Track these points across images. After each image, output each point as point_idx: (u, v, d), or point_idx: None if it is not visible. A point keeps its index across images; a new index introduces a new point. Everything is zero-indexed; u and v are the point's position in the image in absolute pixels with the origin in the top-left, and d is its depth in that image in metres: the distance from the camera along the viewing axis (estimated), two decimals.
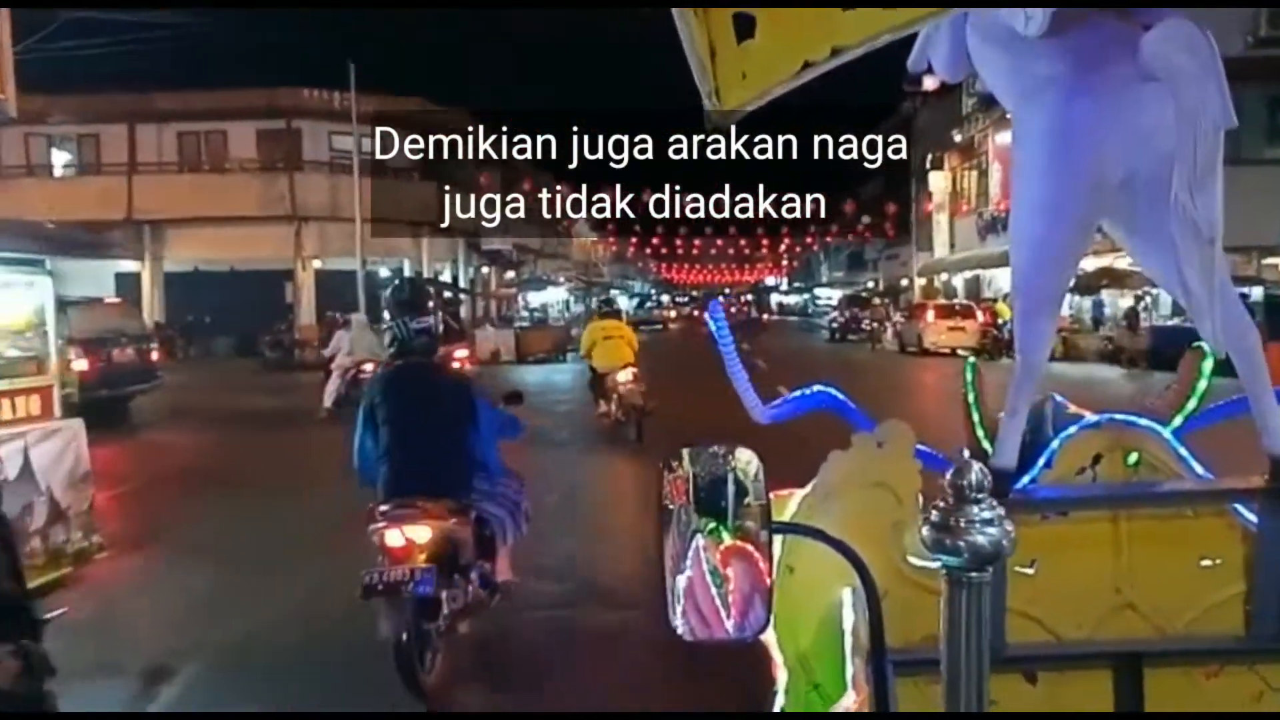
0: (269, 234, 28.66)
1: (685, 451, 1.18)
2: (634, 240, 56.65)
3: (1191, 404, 1.94)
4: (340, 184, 28.46)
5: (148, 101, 28.23)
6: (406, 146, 32.23)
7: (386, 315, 5.72)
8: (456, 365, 19.01)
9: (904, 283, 55.80)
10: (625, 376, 12.44)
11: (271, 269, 29.41)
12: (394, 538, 4.46)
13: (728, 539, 1.15)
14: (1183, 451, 1.86)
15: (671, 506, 1.17)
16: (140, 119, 28.87)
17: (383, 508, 4.54)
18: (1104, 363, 24.94)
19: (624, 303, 54.94)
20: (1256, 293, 25.74)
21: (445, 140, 32.91)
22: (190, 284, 30.38)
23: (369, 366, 15.74)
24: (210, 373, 24.84)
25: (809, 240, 70.78)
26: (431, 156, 33.92)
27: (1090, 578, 1.79)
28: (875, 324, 37.36)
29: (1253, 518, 1.76)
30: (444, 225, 32.14)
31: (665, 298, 73.68)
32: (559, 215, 53.26)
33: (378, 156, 31.66)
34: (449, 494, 4.59)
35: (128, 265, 29.73)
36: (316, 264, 29.02)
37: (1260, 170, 27.06)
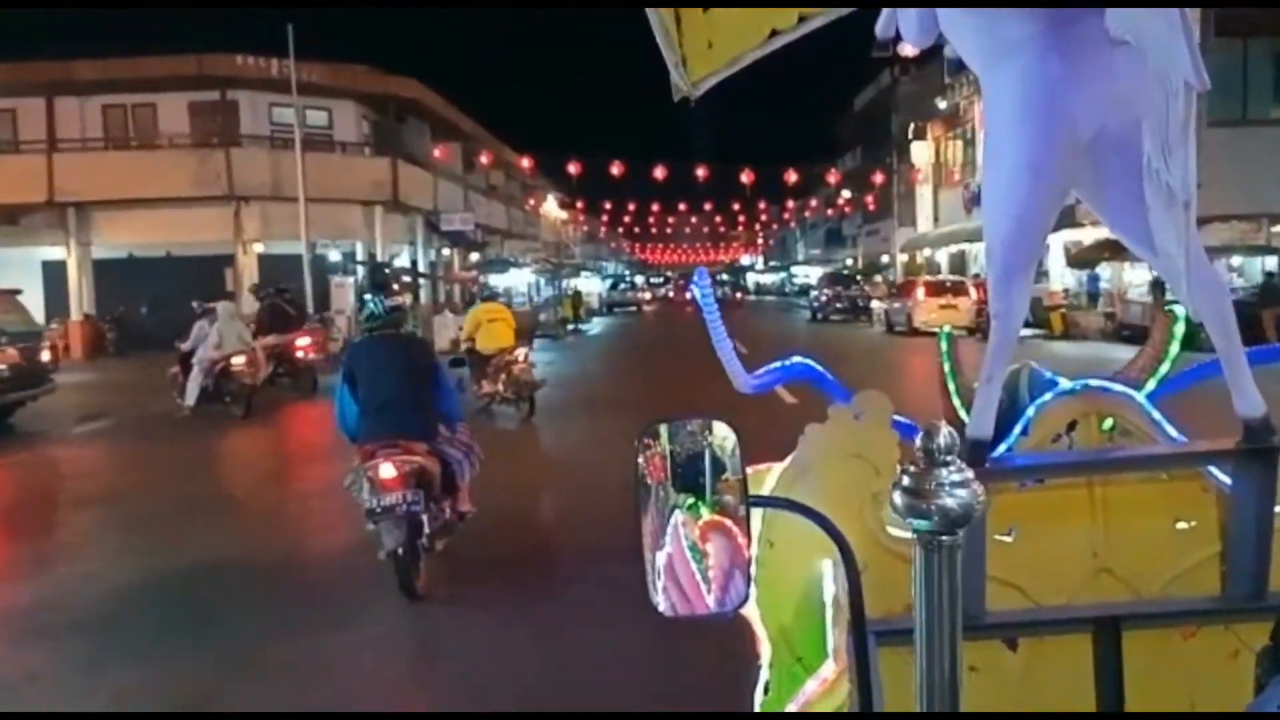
0: (207, 216, 26.24)
1: (662, 427, 1.15)
2: (604, 219, 54.26)
3: (1164, 368, 1.94)
4: (283, 160, 26.11)
5: (67, 71, 25.67)
6: (355, 119, 29.85)
7: (364, 295, 6.61)
8: (300, 354, 17.52)
9: (884, 259, 54.01)
10: (519, 355, 13.45)
11: (213, 254, 27.01)
12: (387, 470, 5.48)
13: (706, 514, 1.14)
14: (1156, 416, 1.83)
15: (649, 483, 1.15)
16: (59, 91, 26.31)
17: (373, 447, 5.60)
18: (1112, 341, 23.07)
19: (596, 284, 52.75)
20: (1271, 262, 24.00)
21: (396, 111, 30.39)
22: (125, 271, 27.92)
23: (239, 360, 14.06)
24: (135, 370, 22.54)
25: (786, 216, 68.87)
26: (383, 129, 31.61)
27: (1068, 544, 1.76)
28: (860, 302, 35.44)
29: (1226, 480, 1.73)
30: (398, 203, 29.92)
31: (639, 279, 71.50)
32: (523, 191, 50.89)
33: (324, 131, 29.46)
34: (422, 438, 5.72)
35: (55, 252, 27.28)
36: (258, 248, 26.65)
37: (1268, 132, 25.35)
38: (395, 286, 29.72)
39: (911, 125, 41.78)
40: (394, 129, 29.88)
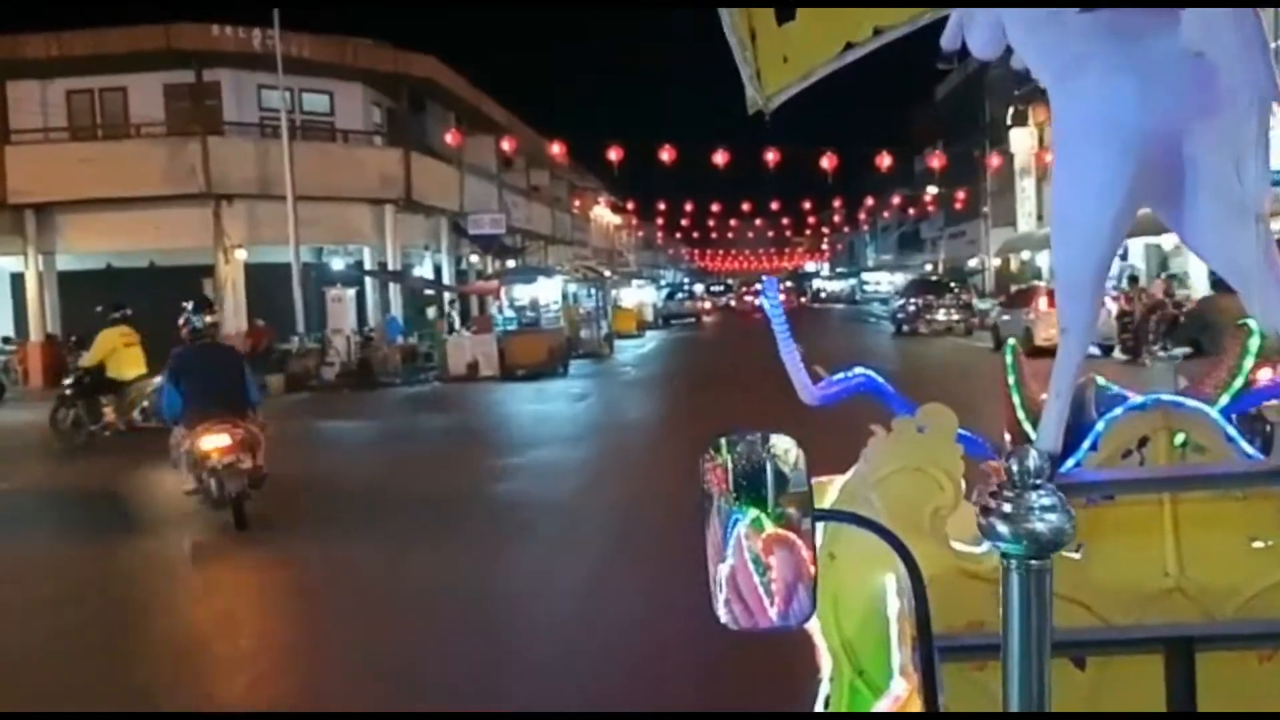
0: (187, 218, 22.00)
1: (722, 439, 1.15)
2: (659, 223, 49.34)
3: (1238, 383, 1.89)
4: (274, 152, 21.75)
5: (16, 48, 21.59)
6: (362, 103, 25.43)
7: (188, 313, 8.28)
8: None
9: (972, 264, 48.42)
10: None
11: (201, 263, 22.80)
12: (223, 439, 7.78)
13: (769, 527, 1.13)
14: (1231, 432, 1.77)
15: (712, 494, 1.14)
16: (13, 74, 22.28)
17: (205, 424, 7.78)
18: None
19: (650, 294, 47.86)
20: None
21: (410, 95, 25.82)
22: (100, 284, 23.70)
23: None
24: None
25: (863, 218, 63.31)
26: (395, 117, 27.07)
27: (1138, 562, 1.72)
28: (960, 314, 30.02)
29: None
30: (412, 202, 25.47)
31: (699, 287, 66.47)
32: (569, 192, 46.24)
33: (324, 117, 25.09)
34: (240, 416, 7.98)
35: (14, 263, 23.27)
36: (241, 254, 22.29)
37: None
38: (429, 296, 26.34)
39: (1011, 110, 36.14)
40: (408, 116, 25.37)
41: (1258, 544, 1.71)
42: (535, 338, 21.02)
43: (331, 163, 23.04)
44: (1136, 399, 1.81)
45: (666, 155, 21.83)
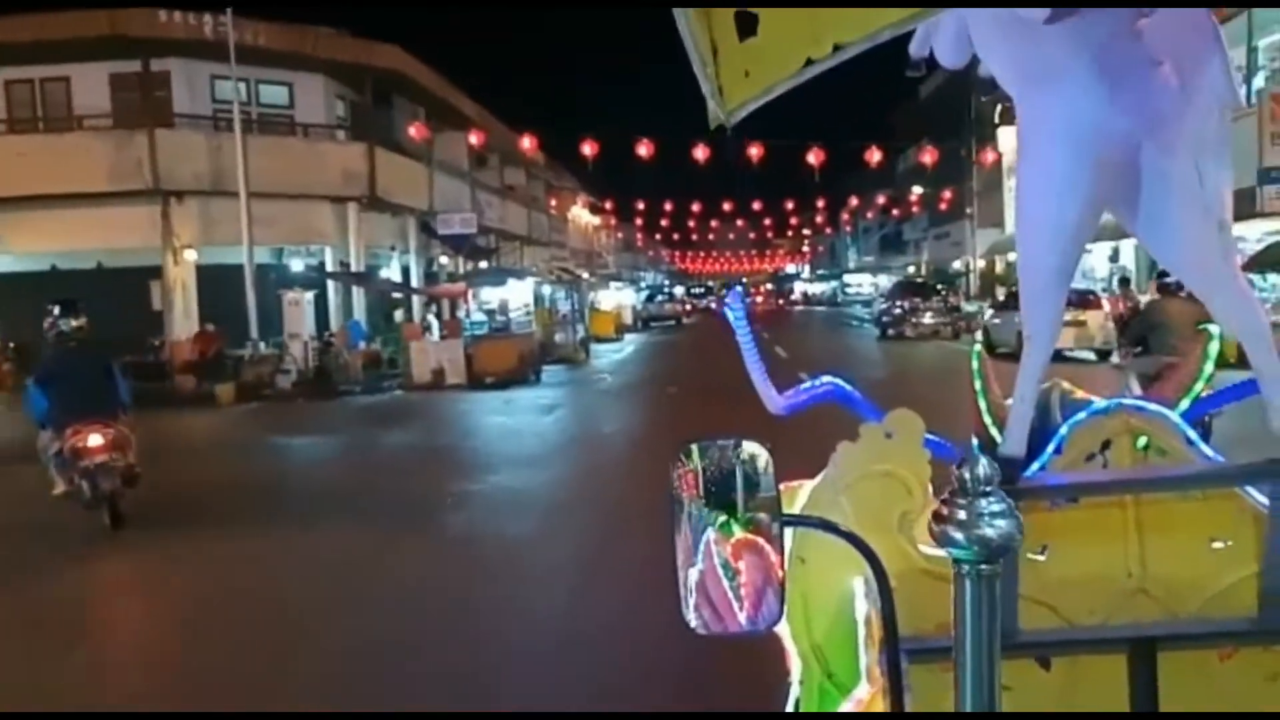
0: (134, 216, 20.63)
1: (694, 446, 1.16)
2: (639, 222, 48.15)
3: (1199, 386, 1.93)
4: (229, 146, 20.38)
5: None
6: (324, 96, 24.12)
7: (54, 316, 8.32)
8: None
9: (956, 265, 47.52)
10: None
11: (152, 264, 21.45)
12: (95, 439, 7.83)
13: (738, 532, 1.13)
14: (1191, 435, 1.80)
15: (682, 500, 1.15)
16: None
17: (76, 427, 7.84)
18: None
19: (629, 296, 46.69)
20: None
21: (375, 88, 24.50)
22: (44, 287, 22.28)
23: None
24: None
25: (845, 219, 62.32)
26: (359, 110, 25.69)
27: (1102, 563, 1.74)
28: (947, 317, 29.02)
29: (1263, 499, 1.69)
30: (377, 200, 24.18)
31: (679, 289, 65.40)
32: (546, 192, 44.97)
33: (282, 110, 23.76)
34: (112, 417, 8.02)
35: None
36: (191, 255, 20.94)
37: None
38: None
39: (999, 108, 35.19)
40: (373, 110, 24.09)
41: (1217, 544, 1.71)
42: (505, 344, 19.78)
43: (290, 158, 21.72)
44: (1099, 403, 1.83)
45: (644, 150, 20.66)
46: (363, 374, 20.62)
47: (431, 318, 22.83)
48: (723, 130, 1.64)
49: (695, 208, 38.57)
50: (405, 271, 27.09)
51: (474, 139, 23.35)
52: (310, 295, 20.95)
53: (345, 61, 22.93)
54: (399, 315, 27.17)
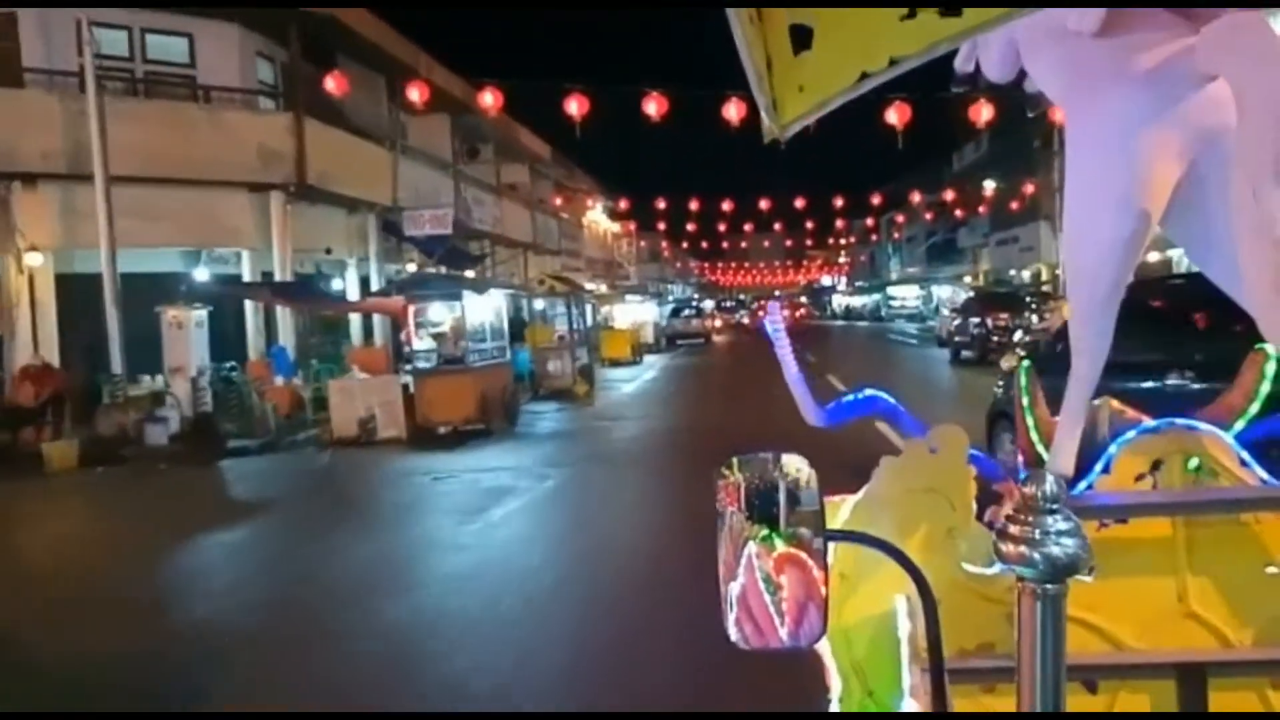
0: None
1: (735, 459, 1.15)
2: (662, 228, 42.15)
3: (1254, 408, 1.89)
4: (109, 114, 14.69)
5: None
6: (239, 53, 18.15)
7: None
8: None
9: (1025, 275, 41.25)
10: None
11: None
12: None
13: (781, 546, 1.11)
14: (1245, 456, 1.77)
15: (724, 513, 1.13)
16: None
17: None
18: None
19: (651, 312, 40.71)
20: None
21: (305, 42, 18.30)
22: None
23: None
24: None
25: (900, 220, 55.99)
26: (290, 74, 18.75)
27: (1151, 586, 1.71)
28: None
29: None
30: (307, 187, 18.47)
31: (708, 303, 59.37)
32: (555, 192, 39.04)
33: (180, 68, 18.10)
34: None
35: None
36: (34, 260, 15.22)
37: None
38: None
39: None
40: (312, 74, 18.34)
41: (1272, 569, 1.65)
42: (460, 381, 13.87)
43: (185, 131, 16.02)
44: (1150, 422, 1.78)
45: (654, 108, 14.74)
46: (277, 421, 14.90)
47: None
48: (776, 144, 1.57)
49: (726, 206, 32.67)
50: (365, 283, 21.33)
51: (418, 99, 17.35)
52: (201, 315, 15.19)
53: (269, 9, 17.22)
54: (357, 339, 21.44)
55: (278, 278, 17.31)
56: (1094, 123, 1.55)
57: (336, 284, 21.33)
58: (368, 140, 20.85)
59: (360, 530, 8.68)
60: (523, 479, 10.68)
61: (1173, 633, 1.66)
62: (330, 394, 14.15)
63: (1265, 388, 1.88)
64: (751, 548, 1.10)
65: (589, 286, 39.74)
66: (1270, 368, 1.88)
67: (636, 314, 36.37)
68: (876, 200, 41.75)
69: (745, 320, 62.43)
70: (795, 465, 1.11)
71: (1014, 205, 37.28)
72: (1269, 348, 1.84)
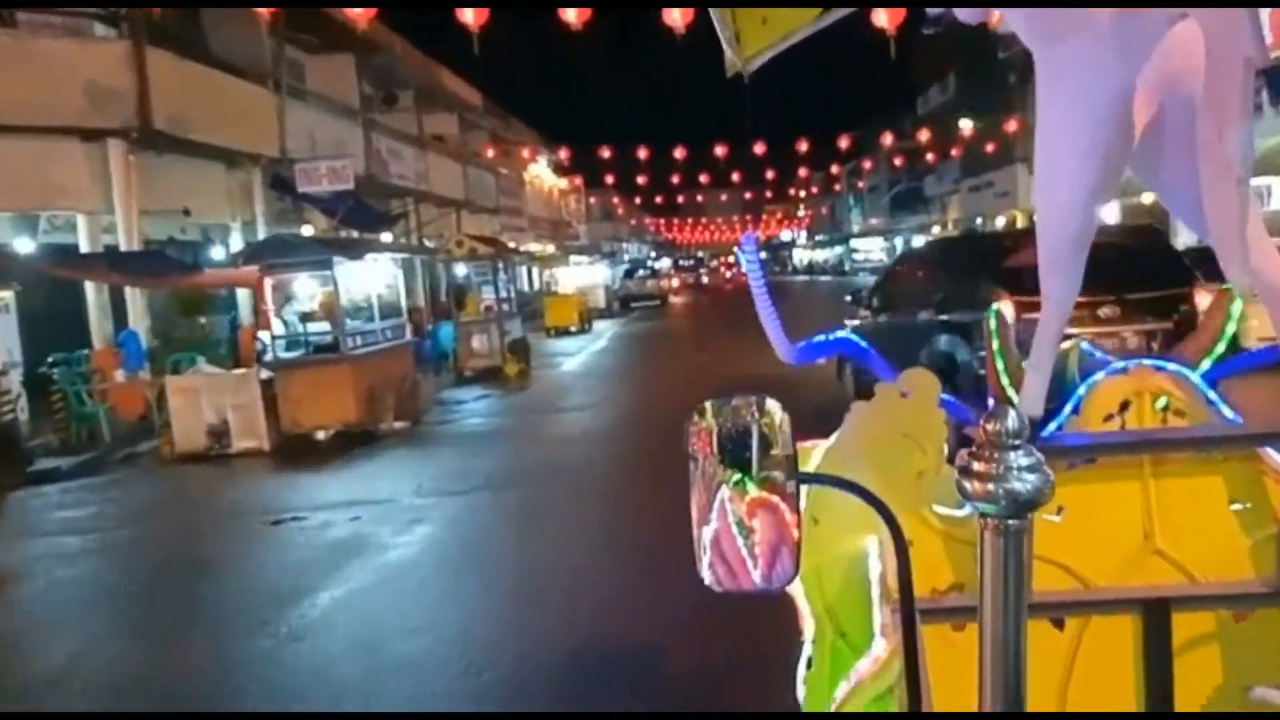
0: None
1: (708, 403, 1.14)
2: (615, 186, 38.64)
3: (1220, 347, 1.87)
4: None
5: None
6: None
7: None
8: None
9: (1000, 222, 38.47)
10: None
11: None
12: None
13: (753, 490, 1.11)
14: (1211, 395, 1.77)
15: (697, 458, 1.13)
16: None
17: None
18: None
19: (602, 274, 37.41)
20: None
21: None
22: None
23: None
24: None
25: (862, 173, 52.77)
26: None
27: (1118, 525, 1.71)
28: None
29: None
30: (153, 134, 14.93)
31: (665, 262, 56.17)
32: (491, 143, 35.23)
33: None
34: None
35: None
36: None
37: None
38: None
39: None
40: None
41: (1236, 506, 1.69)
42: (336, 374, 10.60)
43: None
44: (1117, 363, 1.80)
45: (574, 15, 11.32)
46: (116, 429, 11.61)
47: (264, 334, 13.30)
48: (739, 77, 1.56)
49: (680, 154, 29.22)
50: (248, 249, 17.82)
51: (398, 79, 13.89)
52: (6, 297, 11.77)
53: None
54: (245, 318, 17.99)
55: (124, 246, 13.84)
56: (1063, 66, 1.50)
57: (218, 253, 17.83)
58: (245, 79, 17.27)
59: (223, 579, 5.47)
60: (389, 521, 7.49)
61: (1139, 570, 1.66)
62: (169, 395, 10.80)
63: (1231, 327, 1.86)
64: (724, 492, 1.10)
65: (533, 248, 36.34)
66: (1236, 307, 1.86)
67: (588, 276, 33.07)
68: (843, 146, 38.67)
69: (704, 280, 59.24)
70: (768, 409, 1.11)
71: (990, 147, 34.32)
72: (1234, 287, 1.78)
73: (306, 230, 18.14)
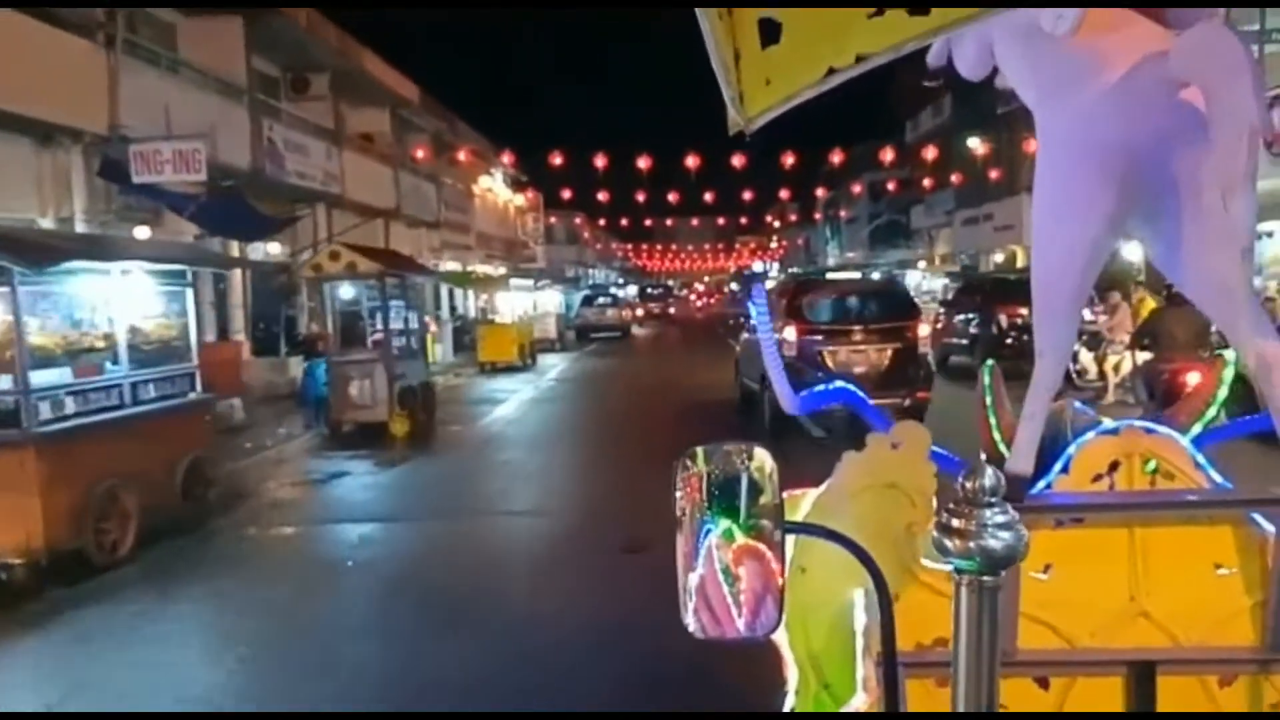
0: None
1: (699, 450, 1.14)
2: (571, 200, 34.14)
3: (1211, 412, 1.87)
4: None
5: None
6: None
7: None
8: None
9: (998, 259, 34.49)
10: None
11: None
12: None
13: (740, 538, 1.11)
14: (1200, 460, 1.77)
15: (685, 504, 1.13)
16: None
17: None
18: None
19: (554, 300, 32.82)
20: None
21: None
22: None
23: None
24: None
25: (850, 198, 48.75)
26: None
27: (1105, 585, 1.70)
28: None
29: (1270, 528, 1.67)
30: None
31: (629, 290, 51.82)
32: (435, 148, 30.26)
33: None
34: None
35: None
36: None
37: None
38: None
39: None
40: None
41: (1223, 571, 1.65)
42: (8, 466, 6.06)
43: None
44: (1109, 423, 1.78)
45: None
46: None
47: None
48: (742, 136, 1.59)
49: (643, 163, 24.94)
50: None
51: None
52: None
53: None
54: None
55: None
56: (1065, 124, 1.52)
57: None
58: (64, 30, 12.71)
59: None
60: None
61: (1125, 631, 1.64)
62: None
63: (1222, 393, 1.85)
64: (712, 539, 1.09)
65: (480, 269, 31.78)
66: (1228, 373, 1.86)
67: (535, 302, 28.53)
68: (827, 169, 34.63)
69: (671, 310, 54.78)
70: (758, 457, 1.11)
71: (994, 174, 30.39)
72: (1229, 354, 1.81)
73: (141, 233, 13.47)
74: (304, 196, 19.68)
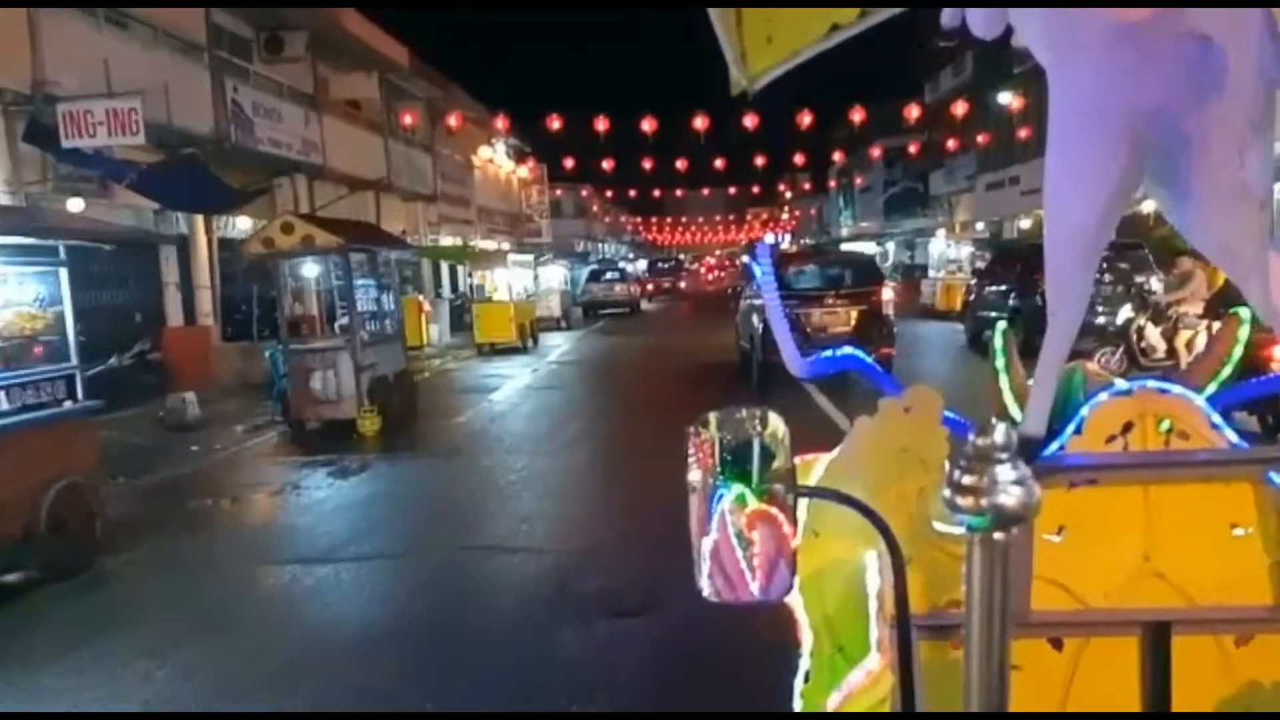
0: None
1: (712, 415, 1.14)
2: (573, 169, 32.18)
3: (1226, 371, 1.81)
4: None
5: None
6: None
7: None
8: None
9: (1024, 224, 32.54)
10: None
11: None
12: None
13: (753, 503, 1.11)
14: (1216, 419, 1.65)
15: (698, 469, 1.13)
16: None
17: None
18: None
19: (558, 276, 31.01)
20: None
21: None
22: None
23: None
24: None
25: (868, 163, 46.27)
26: None
27: (1119, 546, 1.62)
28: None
29: None
30: None
31: (640, 264, 49.92)
32: (429, 115, 27.95)
33: None
34: None
35: None
36: None
37: None
38: None
39: None
40: None
41: (1238, 531, 1.61)
42: None
43: None
44: (1122, 384, 1.71)
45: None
46: None
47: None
48: (744, 95, 1.50)
49: (648, 126, 23.05)
50: None
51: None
52: None
53: None
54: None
55: None
56: (1078, 80, 1.48)
57: None
58: None
59: None
60: None
61: (1139, 592, 1.59)
62: None
63: (1238, 351, 1.80)
64: (725, 504, 1.09)
65: (481, 244, 29.98)
66: (1244, 331, 1.79)
67: (538, 278, 26.73)
68: (839, 135, 32.56)
69: (684, 285, 52.82)
70: (770, 422, 1.10)
71: (1024, 133, 28.36)
72: (1243, 311, 1.72)
73: (75, 205, 11.71)
74: (279, 166, 17.93)
